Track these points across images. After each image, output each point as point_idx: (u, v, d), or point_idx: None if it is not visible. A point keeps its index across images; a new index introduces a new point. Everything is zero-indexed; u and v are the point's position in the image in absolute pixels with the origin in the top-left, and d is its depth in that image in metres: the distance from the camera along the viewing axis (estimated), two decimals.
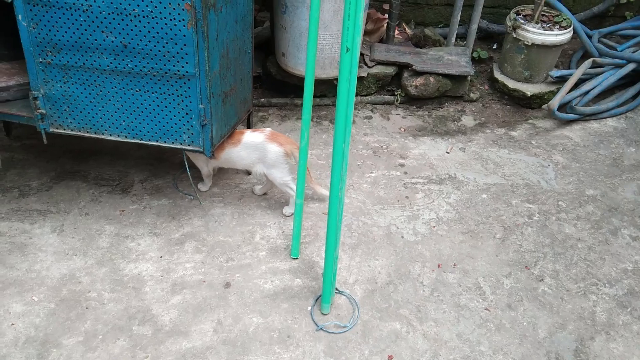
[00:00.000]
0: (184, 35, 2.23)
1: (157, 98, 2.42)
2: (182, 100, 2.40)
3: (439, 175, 3.38)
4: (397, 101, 4.05)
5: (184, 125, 2.47)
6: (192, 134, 2.49)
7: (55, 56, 2.38)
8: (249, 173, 3.32)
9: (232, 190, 3.18)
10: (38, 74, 2.43)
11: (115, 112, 2.49)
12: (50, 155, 3.35)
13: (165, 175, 3.26)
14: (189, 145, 2.54)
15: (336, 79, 4.05)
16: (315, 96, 4.01)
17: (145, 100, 2.45)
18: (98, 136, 2.57)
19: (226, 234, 2.86)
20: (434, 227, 2.99)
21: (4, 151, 3.38)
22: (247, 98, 2.96)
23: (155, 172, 3.28)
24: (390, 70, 4.00)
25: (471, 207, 3.15)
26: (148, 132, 2.55)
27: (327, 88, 3.98)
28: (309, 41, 2.29)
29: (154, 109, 2.46)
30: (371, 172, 3.40)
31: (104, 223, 2.89)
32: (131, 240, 2.79)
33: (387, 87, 4.11)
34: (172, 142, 2.54)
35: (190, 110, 2.43)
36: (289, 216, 2.99)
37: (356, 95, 4.05)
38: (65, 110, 2.52)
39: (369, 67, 3.99)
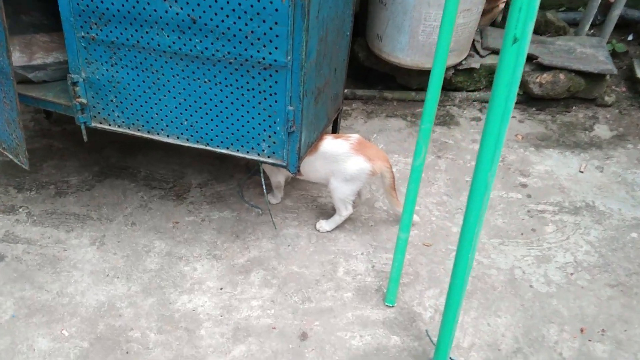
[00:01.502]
0: (276, 10, 1.73)
1: (232, 93, 1.95)
2: (266, 99, 1.93)
3: (572, 202, 2.77)
4: None
5: (264, 131, 2.01)
6: (274, 142, 2.03)
7: (101, 30, 1.96)
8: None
9: (308, 204, 2.70)
10: (79, 52, 2.02)
11: (176, 107, 2.05)
12: (94, 145, 2.97)
13: (229, 180, 2.82)
14: (268, 157, 2.07)
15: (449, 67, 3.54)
16: (410, 89, 3.46)
17: (215, 95, 2.00)
18: (151, 136, 2.14)
19: (301, 264, 2.38)
20: (572, 274, 2.40)
21: (41, 137, 3.03)
22: (339, 93, 2.45)
23: (216, 174, 2.85)
24: None
25: (618, 250, 2.53)
26: (216, 136, 2.11)
27: (426, 79, 3.39)
28: (443, 18, 1.71)
29: (226, 107, 2.00)
30: None
31: (153, 237, 2.47)
32: (185, 263, 2.36)
33: None
34: (247, 152, 2.08)
35: (275, 112, 1.96)
36: (322, 232, 2.55)
37: (462, 90, 3.48)
38: (111, 100, 2.10)
39: (481, 56, 3.39)
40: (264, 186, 2.42)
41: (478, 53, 3.39)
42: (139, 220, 2.57)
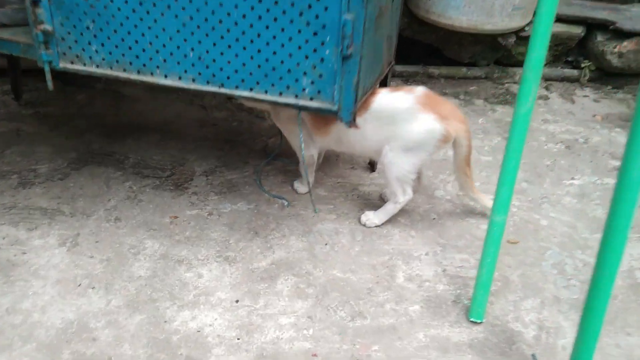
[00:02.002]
0: None
1: (260, 2, 1.37)
2: (310, 6, 1.34)
3: None
4: (584, 77, 2.87)
5: (306, 58, 1.42)
6: (320, 75, 1.44)
7: None
8: (371, 166, 2.22)
9: (347, 194, 2.10)
10: None
11: (178, 32, 1.47)
12: (73, 130, 2.40)
13: (243, 167, 2.23)
14: (311, 98, 1.47)
15: (505, 35, 2.78)
16: (460, 63, 2.90)
17: (235, 8, 1.41)
18: (143, 78, 1.55)
19: (345, 267, 1.77)
20: None
21: (8, 120, 2.47)
22: (393, 36, 1.87)
23: (226, 161, 2.26)
24: (578, 30, 2.83)
25: None
26: (235, 71, 1.51)
27: (481, 50, 2.85)
28: None
29: (250, 26, 1.41)
30: (573, 178, 2.23)
31: (143, 235, 1.87)
32: (187, 268, 1.75)
33: (565, 56, 2.94)
34: (280, 93, 1.49)
35: (324, 26, 1.37)
36: (369, 226, 1.95)
37: (522, 64, 2.85)
38: (87, 28, 1.53)
39: None
40: (302, 161, 1.79)
41: None
42: (126, 215, 1.96)
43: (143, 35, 1.49)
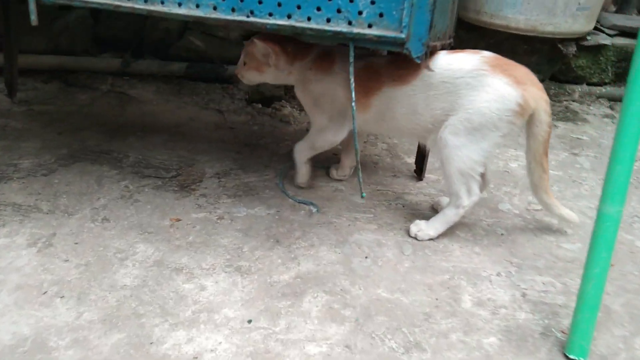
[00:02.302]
0: None
1: None
2: None
3: None
4: None
5: None
6: None
7: None
8: (418, 174, 1.83)
9: (389, 202, 1.71)
10: None
11: None
12: (68, 127, 2.07)
13: (263, 170, 1.86)
14: (369, 25, 1.10)
15: (565, 42, 2.37)
16: None
17: None
18: (151, 8, 1.21)
19: (394, 286, 1.35)
20: None
21: None
22: (454, 10, 1.53)
23: (244, 163, 1.90)
24: None
25: None
26: None
27: (537, 62, 2.52)
28: None
29: None
30: None
31: (135, 239, 1.48)
32: (187, 278, 1.34)
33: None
34: (326, 20, 1.12)
35: None
36: (422, 238, 1.54)
37: (581, 80, 2.46)
38: None
39: (609, 35, 2.53)
40: (356, 143, 1.40)
41: (601, 29, 2.54)
42: (116, 215, 1.58)
43: None
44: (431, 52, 1.31)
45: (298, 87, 1.66)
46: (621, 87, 2.58)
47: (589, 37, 2.41)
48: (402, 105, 1.46)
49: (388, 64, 1.51)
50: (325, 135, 1.64)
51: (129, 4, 1.17)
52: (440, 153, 1.47)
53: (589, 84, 2.55)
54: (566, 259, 1.50)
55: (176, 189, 1.73)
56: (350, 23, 1.09)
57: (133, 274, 1.35)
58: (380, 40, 1.07)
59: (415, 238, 1.53)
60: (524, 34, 2.22)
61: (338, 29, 1.08)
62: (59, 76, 2.53)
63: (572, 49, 2.39)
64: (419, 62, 1.08)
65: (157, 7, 1.16)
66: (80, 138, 2.00)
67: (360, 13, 1.08)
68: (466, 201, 1.49)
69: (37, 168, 1.80)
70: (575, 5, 2.14)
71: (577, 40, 2.41)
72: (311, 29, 1.10)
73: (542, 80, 2.57)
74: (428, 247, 1.51)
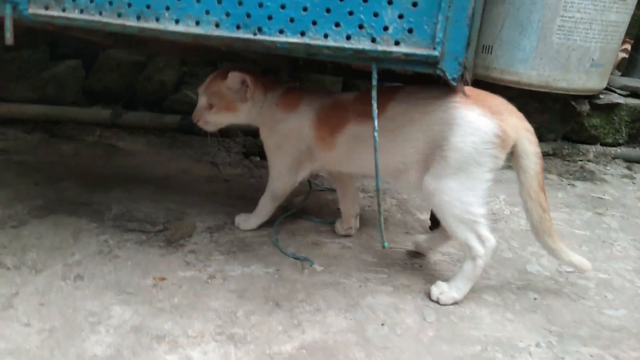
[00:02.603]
0: None
1: None
2: None
3: None
4: None
5: None
6: (413, 4, 0.93)
7: None
8: (432, 230, 1.65)
9: (404, 262, 1.52)
10: None
11: None
12: (47, 177, 1.89)
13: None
14: (396, 41, 0.95)
15: (578, 100, 2.28)
16: None
17: None
18: (144, 26, 1.04)
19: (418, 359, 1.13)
20: None
21: None
22: (474, 44, 1.41)
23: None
24: None
25: None
26: (280, 7, 1.01)
27: (548, 121, 2.42)
28: None
29: None
30: None
31: (111, 300, 1.26)
32: (170, 348, 1.12)
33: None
34: (346, 37, 0.97)
35: None
36: (445, 302, 1.33)
37: (595, 140, 2.34)
38: None
39: (620, 94, 2.45)
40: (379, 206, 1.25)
41: (612, 89, 2.46)
42: (91, 272, 1.37)
43: None
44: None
45: (264, 127, 1.54)
46: (636, 148, 2.47)
47: (601, 96, 2.33)
48: (368, 143, 1.26)
49: (355, 100, 1.42)
50: (285, 180, 1.54)
51: (119, 21, 1.03)
52: (430, 202, 1.33)
53: (602, 144, 2.44)
54: (612, 327, 1.30)
55: (162, 244, 1.53)
56: (374, 40, 0.94)
57: (106, 341, 1.12)
58: (408, 59, 0.92)
59: (438, 302, 1.32)
60: (537, 89, 2.13)
61: (360, 46, 0.94)
62: (44, 127, 2.38)
63: (586, 107, 2.30)
64: (454, 84, 0.93)
65: (151, 25, 1.02)
66: (58, 189, 1.81)
67: (385, 28, 0.94)
68: (481, 250, 1.30)
69: (6, 219, 1.59)
70: (589, 61, 2.06)
71: (590, 98, 2.32)
72: (328, 48, 0.95)
73: (554, 140, 2.47)
74: (453, 312, 1.30)
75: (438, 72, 0.92)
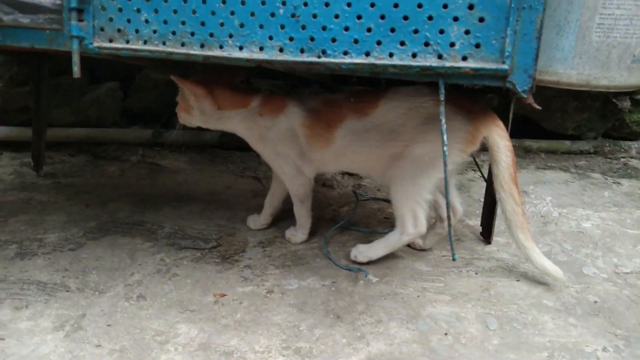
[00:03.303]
0: None
1: None
2: None
3: None
4: None
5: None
6: (479, 19, 0.95)
7: None
8: (485, 238, 1.64)
9: (461, 270, 1.51)
10: None
11: None
12: (97, 199, 1.94)
13: (311, 237, 1.69)
14: (463, 56, 0.96)
15: (619, 97, 2.28)
16: (563, 135, 2.44)
17: None
18: (208, 53, 1.06)
19: None
20: None
21: (20, 190, 2.02)
22: None
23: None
24: None
25: None
26: (344, 29, 1.03)
27: (588, 119, 2.39)
28: None
29: None
30: None
31: (176, 318, 1.29)
32: None
33: None
34: (412, 55, 1.00)
35: None
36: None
37: (637, 137, 2.36)
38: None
39: None
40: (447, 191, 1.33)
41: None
42: (153, 292, 1.40)
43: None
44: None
45: (252, 138, 1.59)
46: None
47: None
48: (363, 138, 1.44)
49: (348, 97, 1.49)
50: (301, 180, 1.59)
51: (183, 50, 1.06)
52: (390, 182, 1.47)
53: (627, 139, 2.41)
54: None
55: (217, 260, 1.55)
56: (440, 57, 0.95)
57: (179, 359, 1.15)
58: (477, 73, 0.93)
59: (355, 261, 1.51)
60: (577, 89, 2.10)
61: (426, 64, 0.95)
62: (87, 149, 2.44)
63: (627, 103, 2.27)
64: (525, 96, 0.94)
65: (215, 52, 1.04)
66: (109, 210, 1.86)
67: (452, 45, 0.95)
68: (411, 230, 1.43)
69: (63, 243, 1.64)
70: (630, 57, 2.03)
71: (631, 94, 2.29)
72: (394, 66, 0.96)
73: (595, 138, 2.44)
74: (515, 319, 1.29)
75: (508, 85, 0.93)
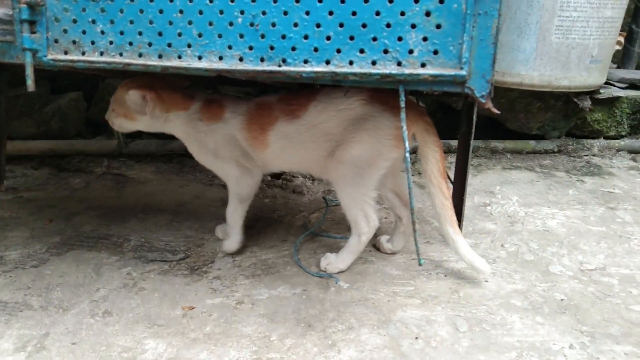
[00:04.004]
0: None
1: None
2: None
3: None
4: None
5: (414, 1, 0.96)
6: (437, 26, 0.96)
7: None
8: None
9: (430, 272, 1.52)
10: None
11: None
12: (61, 213, 1.89)
13: (281, 245, 1.68)
14: (422, 63, 0.97)
15: (580, 97, 2.33)
16: (527, 136, 2.48)
17: None
18: (167, 64, 1.05)
19: None
20: None
21: None
22: None
23: (259, 239, 1.72)
24: None
25: None
26: (304, 38, 1.03)
27: (551, 119, 2.44)
28: None
29: None
30: None
31: (143, 333, 1.26)
32: None
33: None
34: (371, 62, 1.01)
35: None
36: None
37: (598, 135, 2.38)
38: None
39: (619, 87, 2.48)
40: (412, 203, 1.40)
41: (611, 83, 2.49)
42: (119, 307, 1.37)
43: (171, 1, 1.03)
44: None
45: (190, 142, 1.58)
46: (639, 138, 2.49)
47: (602, 91, 2.36)
48: (297, 140, 1.46)
49: (279, 100, 1.51)
50: (245, 180, 1.57)
51: (141, 61, 1.03)
52: (333, 184, 1.50)
53: (606, 138, 2.47)
54: None
55: (186, 272, 1.53)
56: (399, 64, 0.96)
57: None
58: (436, 79, 0.94)
59: (325, 271, 1.50)
60: (539, 90, 2.15)
61: (386, 71, 0.95)
62: (50, 161, 2.38)
63: (588, 102, 2.32)
64: (483, 101, 0.95)
65: (174, 63, 1.02)
66: (74, 224, 1.81)
67: (411, 52, 0.95)
68: (365, 228, 1.47)
69: (25, 259, 1.59)
70: (588, 58, 2.09)
71: (591, 93, 2.35)
72: (354, 74, 0.96)
73: (558, 137, 2.49)
74: (484, 320, 1.31)
75: (467, 90, 0.94)
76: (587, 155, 2.43)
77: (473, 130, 1.51)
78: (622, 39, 2.83)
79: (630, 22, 2.72)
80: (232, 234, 1.61)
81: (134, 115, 1.52)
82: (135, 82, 1.51)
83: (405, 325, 1.29)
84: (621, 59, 2.78)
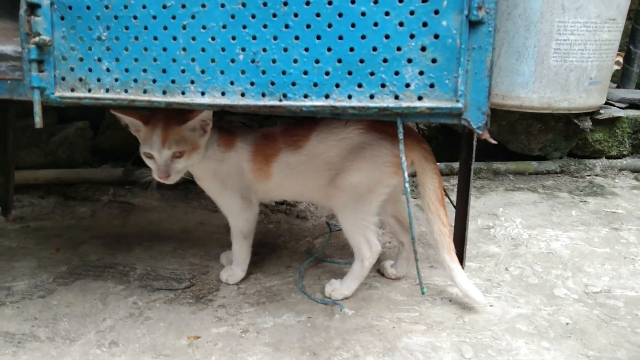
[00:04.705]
0: None
1: None
2: None
3: None
4: None
5: (410, 37, 0.99)
6: (432, 60, 0.98)
7: None
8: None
9: (435, 297, 1.52)
10: None
11: (223, 29, 1.07)
12: (67, 242, 1.90)
13: (285, 272, 1.69)
14: (419, 96, 0.99)
15: (580, 117, 2.35)
16: (529, 157, 2.50)
17: None
18: (170, 100, 1.07)
19: None
20: None
21: None
22: None
23: (263, 265, 1.73)
24: None
25: None
26: (303, 73, 1.06)
27: (552, 140, 2.45)
28: None
29: (327, 4, 1.02)
30: None
31: None
32: None
33: None
34: (369, 96, 1.03)
35: None
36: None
37: (600, 154, 2.40)
38: (98, 39, 1.09)
39: (620, 107, 2.49)
40: (412, 234, 1.47)
41: (611, 103, 2.50)
42: (125, 337, 1.37)
43: (175, 39, 1.07)
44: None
45: (202, 169, 1.55)
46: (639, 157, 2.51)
47: (602, 111, 2.38)
48: (299, 170, 1.49)
49: (283, 131, 1.53)
50: (245, 215, 1.60)
51: (145, 97, 1.06)
52: (334, 211, 1.54)
53: (608, 157, 2.48)
54: None
55: (191, 301, 1.53)
56: (397, 97, 0.98)
57: None
58: (433, 112, 0.96)
59: (330, 298, 1.52)
60: (539, 112, 2.17)
61: (384, 104, 0.98)
62: (57, 190, 2.40)
63: (588, 123, 2.34)
64: (480, 132, 0.97)
65: (178, 99, 1.05)
66: (80, 253, 1.83)
67: (407, 85, 0.98)
68: (368, 253, 1.49)
69: (32, 290, 1.60)
70: (587, 80, 2.11)
71: (591, 114, 2.36)
72: (353, 108, 0.99)
73: (560, 157, 2.50)
74: (490, 346, 1.30)
75: (463, 122, 0.96)
76: (589, 175, 2.44)
77: (473, 155, 1.53)
78: (620, 59, 2.86)
79: (627, 43, 2.75)
80: (236, 265, 1.63)
81: (198, 141, 1.45)
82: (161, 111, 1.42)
83: (410, 352, 1.29)
84: (620, 78, 2.81)
